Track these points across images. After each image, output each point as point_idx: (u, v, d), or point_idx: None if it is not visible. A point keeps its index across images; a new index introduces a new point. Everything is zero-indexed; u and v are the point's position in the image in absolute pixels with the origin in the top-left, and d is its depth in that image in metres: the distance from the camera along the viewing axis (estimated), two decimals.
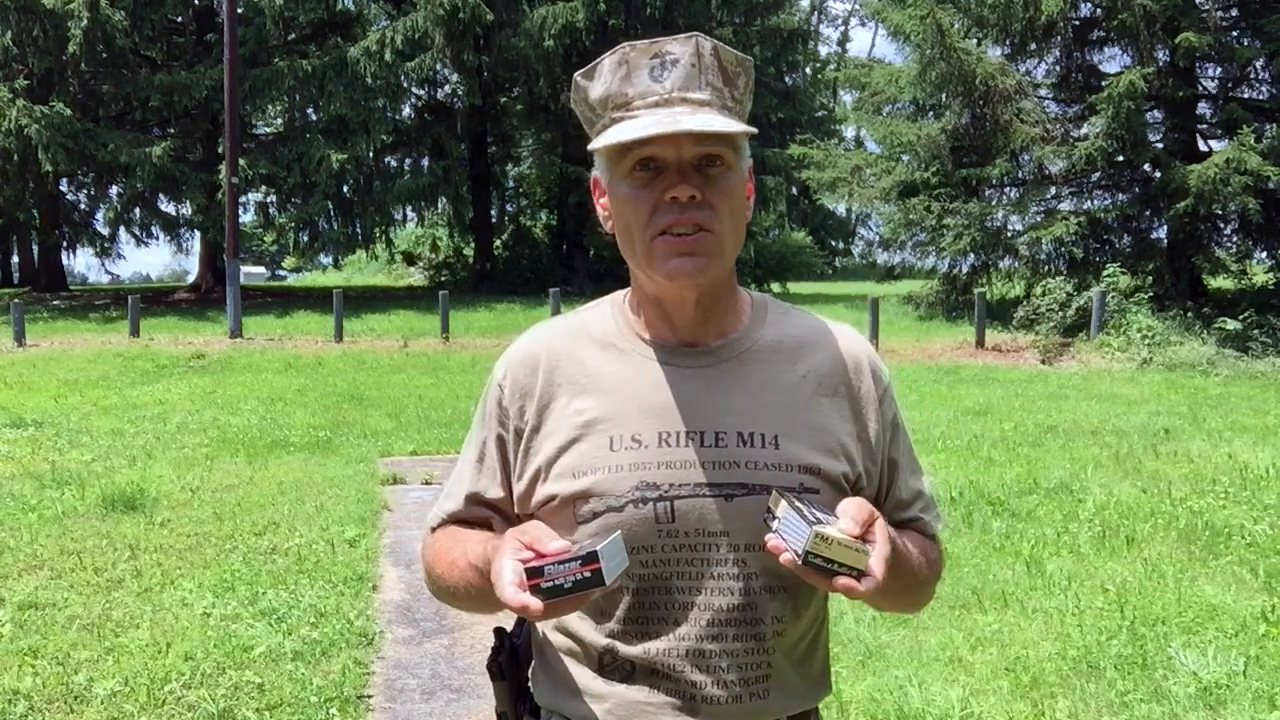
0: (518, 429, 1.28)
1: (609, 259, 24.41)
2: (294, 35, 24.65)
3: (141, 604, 4.45)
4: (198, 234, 25.26)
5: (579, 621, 1.24)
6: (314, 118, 24.24)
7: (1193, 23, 16.53)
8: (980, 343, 15.49)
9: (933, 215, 18.76)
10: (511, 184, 32.06)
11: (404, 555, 5.23)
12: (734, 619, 1.21)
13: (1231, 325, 14.37)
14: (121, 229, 26.30)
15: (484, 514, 1.32)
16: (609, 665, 1.23)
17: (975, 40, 19.30)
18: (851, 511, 1.09)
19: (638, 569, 1.19)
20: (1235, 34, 17.97)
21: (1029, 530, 5.51)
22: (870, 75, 21.58)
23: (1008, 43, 19.24)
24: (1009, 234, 19.21)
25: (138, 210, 25.36)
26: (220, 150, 21.09)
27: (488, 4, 22.92)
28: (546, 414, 1.27)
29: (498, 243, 28.84)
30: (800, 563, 1.03)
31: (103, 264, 30.52)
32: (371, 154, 24.76)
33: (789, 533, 1.07)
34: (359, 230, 25.33)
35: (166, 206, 25.81)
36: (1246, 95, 18.58)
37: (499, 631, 1.36)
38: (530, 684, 1.34)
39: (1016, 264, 19.52)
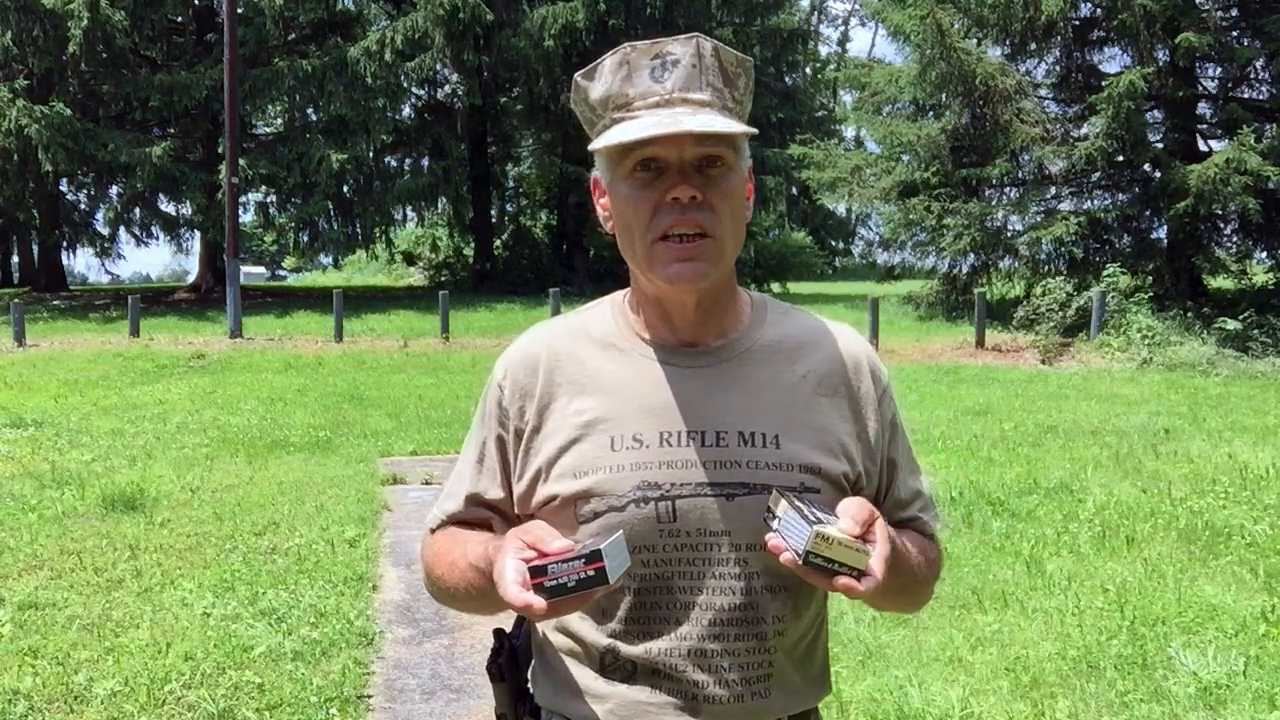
0: (518, 429, 1.28)
1: (609, 259, 24.42)
2: (294, 35, 24.65)
3: (141, 604, 4.45)
4: (198, 234, 25.27)
5: (580, 622, 1.24)
6: (314, 118, 24.24)
7: (1193, 23, 16.54)
8: (980, 343, 15.49)
9: (933, 215, 18.77)
10: (511, 184, 32.07)
11: (404, 555, 5.23)
12: (735, 618, 1.21)
13: (1231, 325, 14.37)
14: (121, 229, 26.32)
15: (484, 515, 1.32)
16: (610, 665, 1.23)
17: (975, 40, 19.30)
18: (852, 511, 1.09)
19: (639, 569, 1.19)
20: (1235, 34, 17.97)
21: (1029, 530, 5.51)
22: (870, 75, 21.59)
23: (1008, 43, 19.24)
24: (1009, 234, 19.22)
25: (138, 210, 25.36)
26: (220, 150, 21.10)
27: (488, 4, 22.92)
28: (547, 414, 1.27)
29: (498, 243, 28.84)
30: (801, 562, 1.03)
31: (103, 264, 30.58)
32: (371, 154, 24.76)
33: (789, 532, 1.07)
34: (359, 230, 25.33)
35: (166, 206, 25.82)
36: (1246, 95, 18.58)
37: (498, 633, 1.36)
38: (530, 685, 1.34)
39: (1016, 264, 19.52)
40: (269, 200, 25.40)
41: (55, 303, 22.76)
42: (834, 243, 45.12)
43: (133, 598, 4.53)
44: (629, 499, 1.20)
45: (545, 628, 1.29)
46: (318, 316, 19.94)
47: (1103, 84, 17.25)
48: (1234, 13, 18.10)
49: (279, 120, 26.03)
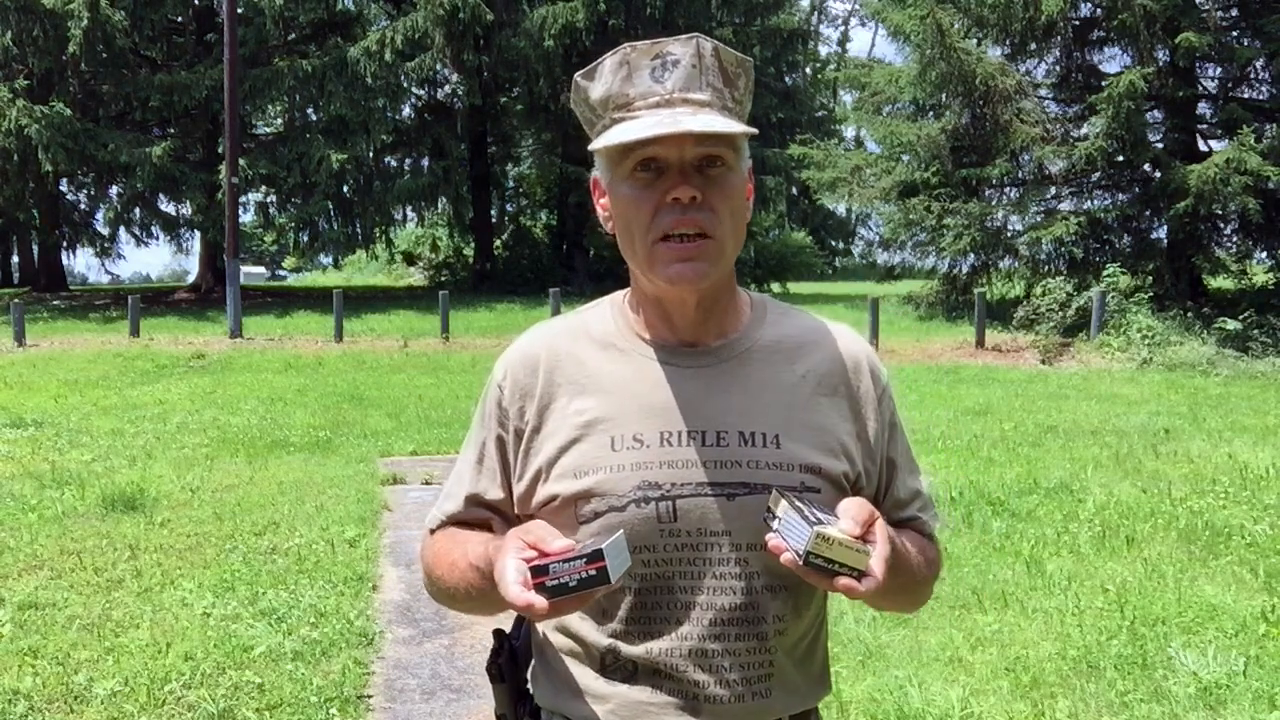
0: (518, 429, 1.28)
1: (609, 259, 24.42)
2: (294, 35, 24.66)
3: (141, 604, 4.45)
4: (198, 234, 25.27)
5: (580, 622, 1.24)
6: (314, 118, 24.25)
7: (1193, 23, 16.54)
8: (980, 343, 15.49)
9: (933, 215, 18.77)
10: (511, 184, 32.07)
11: (404, 555, 5.23)
12: (736, 618, 1.21)
13: (1231, 325, 14.38)
14: (121, 229, 26.32)
15: (484, 515, 1.32)
16: (611, 665, 1.23)
17: (975, 40, 19.30)
18: (852, 511, 1.09)
19: (640, 569, 1.19)
20: (1235, 34, 17.98)
21: (1029, 530, 5.51)
22: (870, 75, 21.59)
23: (1008, 43, 19.24)
24: (1009, 234, 19.22)
25: (138, 210, 25.36)
26: (220, 150, 21.10)
27: (488, 4, 22.92)
28: (547, 414, 1.27)
29: (498, 243, 28.84)
30: (801, 563, 1.03)
31: (103, 264, 30.59)
32: (371, 154, 24.77)
33: (790, 532, 1.07)
34: (359, 230, 25.34)
35: (166, 206, 25.83)
36: (1246, 95, 18.59)
37: (498, 633, 1.36)
38: (530, 685, 1.34)
39: (1016, 264, 19.52)
40: (269, 200, 25.40)
41: (55, 303, 22.77)
42: (834, 243, 45.13)
43: (133, 598, 4.53)
44: (629, 499, 1.20)
45: (545, 628, 1.29)
46: (318, 316, 19.94)
47: (1103, 84, 17.26)
48: (1234, 13, 18.10)
49: (279, 120, 26.04)
